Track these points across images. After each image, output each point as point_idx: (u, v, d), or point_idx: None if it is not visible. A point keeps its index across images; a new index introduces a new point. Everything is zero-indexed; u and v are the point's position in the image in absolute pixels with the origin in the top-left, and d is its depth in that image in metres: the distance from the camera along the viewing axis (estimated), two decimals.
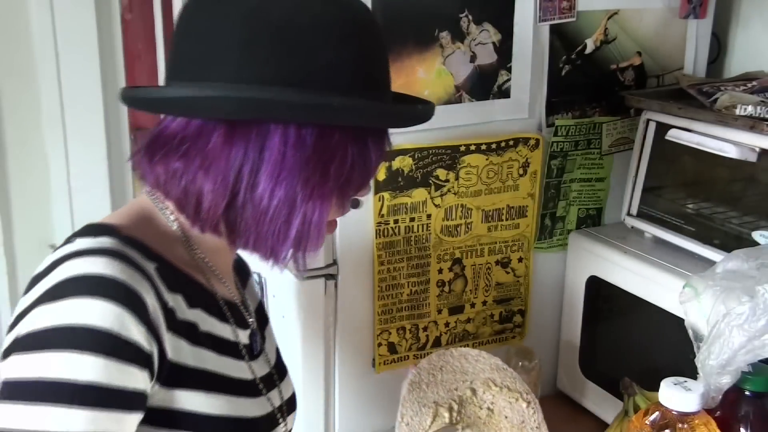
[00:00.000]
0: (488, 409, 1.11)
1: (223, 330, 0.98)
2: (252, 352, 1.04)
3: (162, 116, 0.93)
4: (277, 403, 1.07)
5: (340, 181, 0.90)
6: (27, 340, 0.81)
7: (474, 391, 1.11)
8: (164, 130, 0.91)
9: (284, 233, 0.89)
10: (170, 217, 0.95)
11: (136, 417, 0.84)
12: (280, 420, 1.06)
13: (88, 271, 0.82)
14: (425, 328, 1.51)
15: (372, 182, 1.02)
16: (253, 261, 1.18)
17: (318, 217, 0.90)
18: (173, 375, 0.88)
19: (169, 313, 0.87)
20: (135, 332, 0.82)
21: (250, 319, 1.06)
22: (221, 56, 0.86)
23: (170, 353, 0.87)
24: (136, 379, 0.82)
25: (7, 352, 0.83)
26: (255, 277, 1.21)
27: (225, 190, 0.88)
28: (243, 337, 1.02)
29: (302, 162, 0.87)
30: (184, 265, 0.95)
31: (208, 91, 0.85)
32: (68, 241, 0.89)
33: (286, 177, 0.87)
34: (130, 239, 0.89)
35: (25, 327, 0.82)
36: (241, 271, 1.14)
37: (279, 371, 1.11)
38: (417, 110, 0.99)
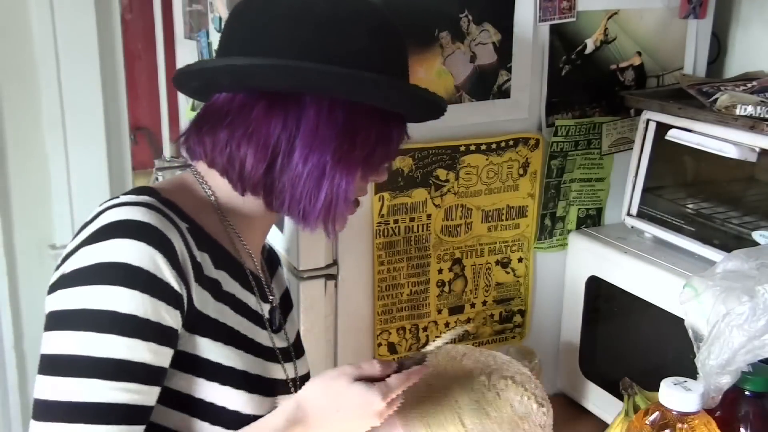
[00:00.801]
0: (497, 393, 1.11)
1: (246, 296, 1.05)
2: (272, 326, 1.09)
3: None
4: (292, 375, 1.11)
5: (365, 153, 1.01)
6: (71, 276, 0.90)
7: (489, 377, 1.12)
8: (211, 106, 1.02)
9: (315, 196, 0.99)
10: (208, 191, 1.05)
11: (169, 353, 0.92)
12: (293, 391, 1.10)
13: (126, 217, 0.91)
14: (425, 328, 1.51)
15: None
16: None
17: (345, 184, 1.00)
18: (197, 322, 0.95)
19: (197, 266, 0.95)
20: (167, 273, 0.90)
21: (272, 297, 1.12)
22: (266, 37, 0.98)
23: (196, 301, 0.95)
24: (168, 316, 0.91)
25: (53, 288, 0.92)
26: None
27: (265, 154, 0.98)
28: (264, 310, 1.08)
29: (333, 133, 0.98)
30: (215, 232, 1.03)
31: (254, 60, 0.97)
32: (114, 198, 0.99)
33: (318, 146, 0.98)
34: (167, 201, 0.98)
35: (70, 266, 0.91)
36: (271, 261, 1.22)
37: (297, 350, 1.16)
38: (437, 96, 1.09)
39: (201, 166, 1.05)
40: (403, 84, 1.04)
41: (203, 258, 0.97)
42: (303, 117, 0.98)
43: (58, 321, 0.89)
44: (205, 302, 0.96)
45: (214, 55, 1.77)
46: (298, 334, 1.21)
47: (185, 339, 0.95)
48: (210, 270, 0.99)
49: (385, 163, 1.06)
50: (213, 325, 0.97)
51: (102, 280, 0.88)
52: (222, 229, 1.05)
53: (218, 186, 1.04)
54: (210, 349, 0.97)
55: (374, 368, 1.00)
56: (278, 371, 1.07)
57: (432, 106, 1.09)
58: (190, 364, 0.96)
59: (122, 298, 0.88)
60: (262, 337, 1.06)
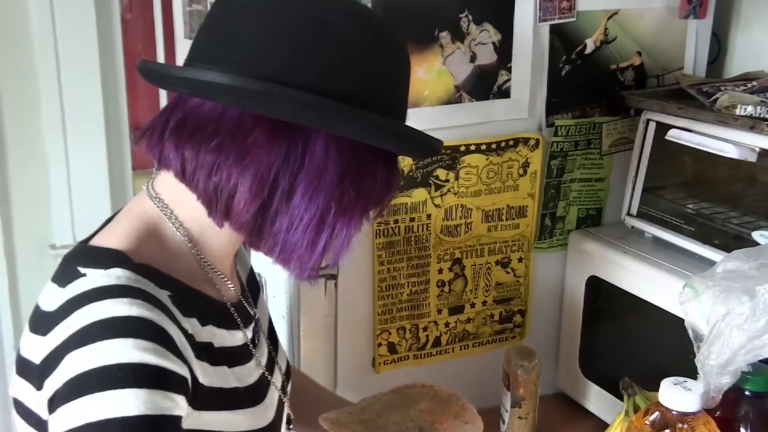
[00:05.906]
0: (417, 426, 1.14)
1: (234, 338, 0.97)
2: (255, 342, 1.03)
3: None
4: (279, 382, 1.07)
5: (370, 200, 0.91)
6: (67, 389, 0.79)
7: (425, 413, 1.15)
8: (194, 114, 0.86)
9: (314, 245, 0.88)
10: (176, 225, 0.92)
11: None
12: (285, 400, 1.07)
13: (113, 314, 0.81)
14: (425, 328, 1.51)
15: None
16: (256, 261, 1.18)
17: (346, 233, 0.89)
18: (204, 398, 0.87)
19: (190, 339, 0.87)
20: (169, 362, 0.81)
21: (252, 311, 1.04)
22: (280, 54, 0.82)
23: (201, 378, 0.87)
24: (177, 405, 0.82)
25: (52, 406, 0.81)
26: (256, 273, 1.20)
27: (261, 191, 0.85)
28: (249, 332, 1.01)
29: (339, 176, 0.86)
30: (195, 280, 0.93)
31: (269, 87, 0.80)
32: (75, 272, 0.86)
33: (323, 189, 0.86)
34: (141, 267, 0.86)
35: (61, 377, 0.80)
36: None
37: (273, 342, 1.11)
38: (440, 143, 0.98)
39: (165, 185, 0.92)
40: (418, 134, 0.92)
41: (192, 325, 0.88)
42: (308, 152, 0.85)
43: None
44: (207, 374, 0.88)
45: None
46: (270, 322, 1.14)
47: (191, 418, 0.86)
48: (200, 334, 0.89)
49: (384, 205, 0.96)
50: (218, 395, 0.90)
51: (101, 386, 0.78)
52: (199, 271, 0.94)
53: (187, 216, 0.91)
54: (218, 421, 0.90)
55: None
56: (273, 396, 1.03)
57: (431, 151, 1.00)
58: None
59: (128, 400, 0.77)
60: (254, 373, 0.99)
